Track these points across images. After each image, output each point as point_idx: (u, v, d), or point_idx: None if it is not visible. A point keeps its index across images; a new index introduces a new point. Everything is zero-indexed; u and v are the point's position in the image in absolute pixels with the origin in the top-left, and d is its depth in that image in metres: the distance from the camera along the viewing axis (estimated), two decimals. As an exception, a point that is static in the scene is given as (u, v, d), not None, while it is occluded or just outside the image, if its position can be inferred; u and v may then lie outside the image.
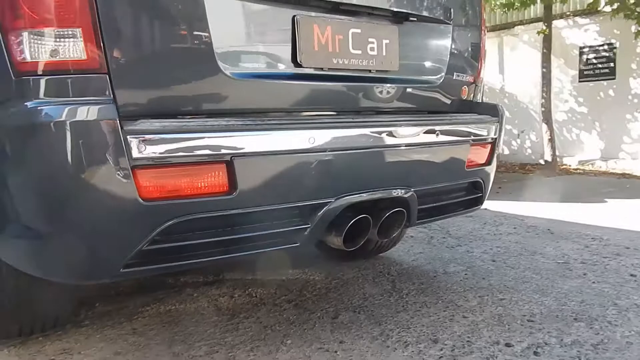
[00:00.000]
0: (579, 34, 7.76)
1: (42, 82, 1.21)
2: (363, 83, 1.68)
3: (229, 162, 1.31)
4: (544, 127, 7.56)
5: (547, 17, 7.44)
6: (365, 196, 1.58)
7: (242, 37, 1.47)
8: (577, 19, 7.71)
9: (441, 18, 1.87)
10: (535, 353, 1.71)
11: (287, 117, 1.48)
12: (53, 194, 1.25)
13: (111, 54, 1.22)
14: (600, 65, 7.53)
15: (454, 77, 1.95)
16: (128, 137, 1.19)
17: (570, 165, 7.65)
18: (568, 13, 7.78)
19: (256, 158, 1.36)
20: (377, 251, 2.85)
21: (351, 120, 1.60)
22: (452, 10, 1.90)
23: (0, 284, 1.61)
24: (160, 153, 1.23)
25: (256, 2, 1.47)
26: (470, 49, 2.03)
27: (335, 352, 1.75)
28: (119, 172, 1.20)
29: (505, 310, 2.09)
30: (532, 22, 8.11)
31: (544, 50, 7.44)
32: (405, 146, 1.66)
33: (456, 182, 1.90)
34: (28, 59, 1.19)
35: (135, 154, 1.20)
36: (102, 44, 1.21)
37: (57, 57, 1.20)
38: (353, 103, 1.68)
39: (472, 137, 1.87)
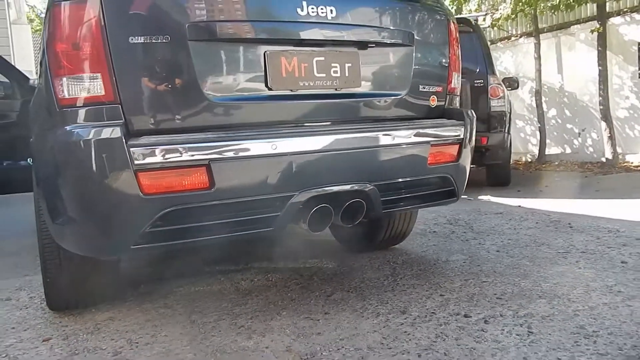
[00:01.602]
0: (637, 30, 7.56)
1: (76, 112, 1.69)
2: (328, 99, 2.04)
3: (207, 166, 1.73)
4: (603, 125, 7.46)
5: (601, 15, 7.36)
6: (324, 190, 1.93)
7: (222, 69, 1.86)
8: (635, 15, 7.52)
9: (400, 42, 2.18)
10: (486, 322, 1.97)
11: (254, 129, 1.86)
12: (83, 191, 1.73)
13: (122, 90, 1.69)
14: (660, 60, 7.30)
15: (420, 89, 2.25)
16: (132, 149, 1.65)
17: (632, 163, 7.44)
18: (625, 9, 7.61)
19: (228, 162, 1.76)
20: (390, 243, 3.15)
21: (309, 129, 1.96)
22: (413, 34, 2.21)
23: (60, 265, 2.13)
24: (155, 160, 1.67)
25: (233, 42, 1.86)
26: (436, 64, 2.32)
27: (318, 320, 2.10)
28: (126, 175, 1.66)
29: (481, 290, 2.34)
30: (587, 20, 8.00)
31: (599, 48, 7.36)
32: (362, 148, 1.99)
33: (418, 177, 2.19)
34: (67, 96, 1.68)
35: (137, 161, 1.65)
36: (115, 83, 1.68)
37: (85, 94, 1.67)
38: (320, 115, 2.03)
39: (433, 139, 2.17)
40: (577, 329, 1.86)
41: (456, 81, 2.40)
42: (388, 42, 2.16)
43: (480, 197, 5.18)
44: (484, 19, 7.67)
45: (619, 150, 7.61)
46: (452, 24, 2.38)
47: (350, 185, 1.99)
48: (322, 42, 2.01)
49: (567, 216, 3.98)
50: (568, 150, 8.65)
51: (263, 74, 1.89)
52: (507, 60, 9.74)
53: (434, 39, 2.31)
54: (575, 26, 8.34)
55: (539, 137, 8.78)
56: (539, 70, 8.58)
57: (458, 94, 2.45)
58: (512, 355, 1.69)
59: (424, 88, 2.25)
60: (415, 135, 2.11)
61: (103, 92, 1.67)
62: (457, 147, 2.26)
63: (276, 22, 1.93)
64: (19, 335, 2.11)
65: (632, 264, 2.62)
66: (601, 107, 7.46)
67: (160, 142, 1.68)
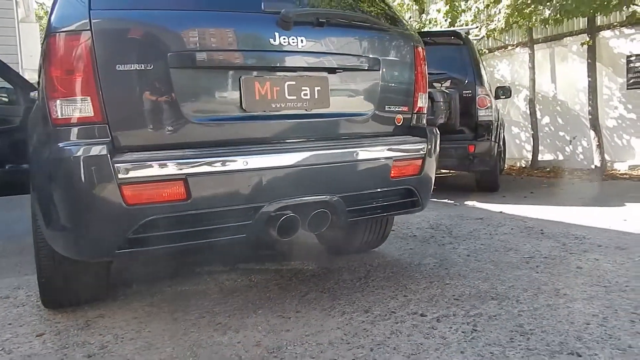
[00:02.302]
0: (625, 44, 7.77)
1: (68, 130, 1.91)
2: (299, 119, 2.25)
3: (185, 179, 1.94)
4: (592, 133, 7.64)
5: (591, 29, 7.56)
6: (292, 201, 2.15)
7: (201, 93, 2.08)
8: (624, 29, 7.73)
9: (367, 67, 2.39)
10: (438, 320, 2.18)
11: (229, 147, 2.07)
12: (73, 201, 1.95)
13: (109, 111, 1.90)
14: (646, 73, 7.50)
15: (386, 109, 2.46)
16: (116, 165, 1.86)
17: (619, 171, 7.61)
18: (615, 23, 7.81)
19: (203, 176, 1.97)
20: (369, 246, 3.35)
21: (279, 146, 2.17)
22: (379, 59, 2.42)
23: (55, 267, 2.35)
24: (137, 175, 1.89)
25: (211, 69, 2.08)
26: (402, 87, 2.53)
27: (289, 318, 2.31)
28: (111, 187, 1.87)
29: (442, 291, 2.55)
30: (579, 33, 8.20)
31: (589, 61, 7.57)
32: (329, 163, 2.21)
33: (382, 189, 2.40)
34: (60, 116, 1.90)
35: (120, 176, 1.87)
36: (103, 106, 1.89)
37: (77, 115, 1.90)
38: (291, 134, 2.25)
39: (396, 154, 2.38)
40: (516, 327, 2.07)
41: (422, 101, 2.61)
42: (355, 67, 2.37)
43: (466, 203, 5.37)
44: (479, 30, 7.86)
45: (607, 158, 7.79)
46: (418, 49, 2.59)
47: (317, 197, 2.20)
48: (293, 68, 2.23)
49: (542, 222, 4.18)
50: (560, 157, 8.83)
51: (238, 97, 2.11)
52: (504, 68, 9.93)
53: (400, 63, 2.53)
54: (568, 38, 8.54)
55: (533, 143, 8.97)
56: (532, 80, 8.78)
57: (424, 112, 2.66)
58: (452, 349, 1.90)
59: (389, 108, 2.47)
60: (378, 152, 2.33)
61: (92, 114, 1.88)
62: (419, 161, 2.47)
63: (251, 51, 2.14)
64: (15, 330, 2.32)
65: (586, 269, 2.82)
66: (590, 116, 7.65)
67: (142, 159, 1.90)
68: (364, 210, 2.38)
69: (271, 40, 2.13)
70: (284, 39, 2.14)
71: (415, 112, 2.58)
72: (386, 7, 2.67)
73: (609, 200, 5.34)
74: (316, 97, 2.25)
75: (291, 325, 2.22)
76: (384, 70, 2.44)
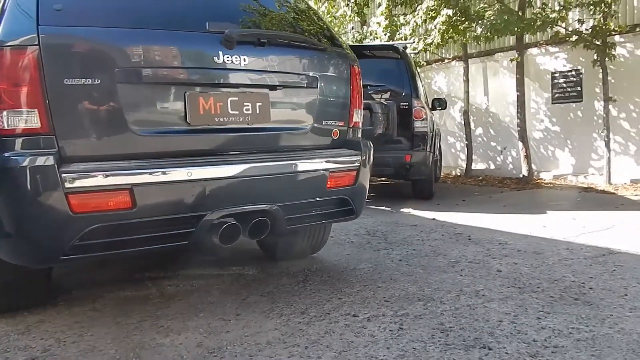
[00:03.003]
0: (550, 61, 8.37)
1: (14, 140, 1.96)
2: (241, 133, 2.39)
3: (130, 189, 2.04)
4: (520, 144, 8.15)
5: (519, 47, 8.09)
6: (233, 209, 2.28)
7: (147, 107, 2.18)
8: (549, 47, 8.31)
9: (305, 85, 2.56)
10: (368, 320, 2.36)
11: (173, 158, 2.18)
12: (19, 210, 2.00)
13: (57, 123, 1.97)
14: (569, 89, 8.12)
15: (323, 124, 2.64)
16: (63, 175, 1.93)
17: (544, 180, 8.16)
18: (541, 42, 8.38)
19: (148, 186, 2.08)
20: (308, 252, 3.50)
21: (221, 158, 2.30)
22: (317, 77, 2.60)
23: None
24: (84, 184, 1.97)
25: (156, 84, 2.19)
26: (338, 103, 2.72)
27: (230, 320, 2.43)
28: (57, 196, 1.94)
29: (375, 294, 2.74)
30: (510, 49, 8.74)
31: (517, 76, 8.08)
32: (268, 175, 2.36)
33: (319, 198, 2.57)
34: (6, 127, 1.95)
35: (67, 185, 1.94)
36: (51, 117, 1.96)
37: (23, 126, 1.95)
38: (233, 146, 2.38)
39: (332, 166, 2.56)
40: (438, 325, 2.28)
41: (357, 116, 2.80)
42: (295, 84, 2.54)
43: (402, 210, 5.64)
44: (417, 43, 8.22)
45: (534, 167, 8.33)
46: (354, 68, 2.79)
47: (257, 206, 2.34)
48: (236, 85, 2.37)
49: (470, 229, 4.48)
50: (492, 166, 9.35)
51: (183, 111, 2.22)
52: (441, 80, 10.40)
53: (337, 81, 2.72)
54: (499, 54, 9.07)
55: (467, 153, 9.44)
56: (467, 92, 9.26)
57: (360, 126, 2.85)
58: (379, 345, 2.08)
59: (326, 123, 2.65)
60: (315, 164, 2.50)
61: (39, 125, 1.95)
62: (354, 173, 2.65)
63: (196, 69, 2.28)
64: (-46, 335, 2.33)
65: (504, 272, 3.09)
66: (519, 128, 8.16)
67: (88, 169, 1.98)
68: (301, 218, 2.53)
69: (215, 59, 2.26)
70: (227, 57, 2.27)
71: (351, 126, 2.77)
72: (325, 28, 2.85)
73: (532, 208, 5.75)
74: (257, 112, 2.39)
75: (231, 327, 2.34)
76: (321, 87, 2.62)
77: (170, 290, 2.94)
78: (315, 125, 2.61)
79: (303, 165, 2.46)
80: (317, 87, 2.60)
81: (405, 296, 2.69)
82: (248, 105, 2.37)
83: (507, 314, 2.41)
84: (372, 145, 2.82)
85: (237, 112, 2.34)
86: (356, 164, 2.65)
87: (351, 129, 2.79)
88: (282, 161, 2.42)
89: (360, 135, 2.88)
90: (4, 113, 1.93)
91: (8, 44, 1.93)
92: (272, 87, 2.46)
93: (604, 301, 2.57)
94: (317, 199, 2.56)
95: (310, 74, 2.58)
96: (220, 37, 2.27)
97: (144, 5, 2.28)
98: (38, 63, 1.92)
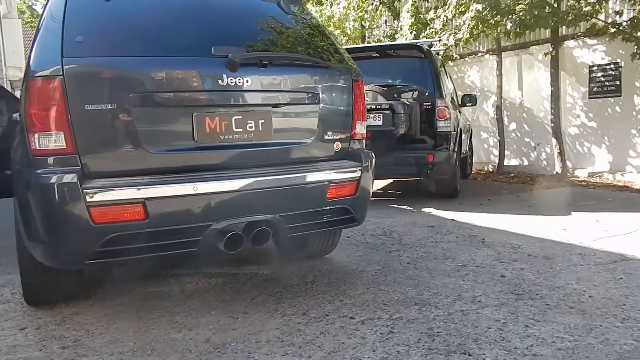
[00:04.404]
0: (588, 54, 8.17)
1: (44, 159, 2.24)
2: (245, 149, 2.60)
3: (143, 203, 2.29)
4: (554, 141, 8.06)
5: (554, 40, 7.95)
6: (237, 220, 2.50)
7: (158, 128, 2.41)
8: (587, 39, 8.12)
9: (307, 101, 2.74)
10: (363, 323, 2.54)
11: (182, 174, 2.40)
12: (49, 220, 2.29)
13: (79, 144, 2.24)
14: (607, 83, 7.91)
15: (325, 137, 2.81)
16: (84, 190, 2.20)
17: (579, 177, 8.05)
18: (579, 34, 8.20)
19: (160, 199, 2.32)
20: (320, 253, 3.70)
21: (226, 173, 2.50)
22: (318, 93, 2.76)
23: (35, 270, 2.68)
24: (103, 199, 2.23)
25: (166, 107, 2.43)
26: (340, 116, 2.87)
27: (237, 318, 2.66)
28: (80, 209, 2.21)
29: (375, 297, 2.91)
30: (545, 42, 8.58)
31: (552, 70, 7.97)
32: (270, 187, 2.55)
33: (318, 208, 2.75)
34: (38, 147, 2.23)
35: (88, 199, 2.21)
36: (74, 139, 2.23)
37: (51, 146, 2.23)
38: (239, 162, 2.58)
39: (332, 178, 2.72)
40: (427, 330, 2.43)
41: (360, 127, 2.96)
42: (296, 101, 2.72)
43: (423, 209, 5.75)
44: (447, 38, 8.21)
45: (569, 165, 8.23)
46: (357, 81, 2.94)
47: (259, 216, 2.55)
48: (240, 104, 2.59)
49: (486, 231, 4.56)
50: (525, 163, 9.27)
51: (191, 130, 2.45)
52: (474, 74, 10.32)
53: (339, 96, 2.88)
54: (534, 47, 8.93)
55: (499, 149, 9.38)
56: (500, 87, 9.19)
57: (363, 137, 3.01)
58: (367, 348, 2.26)
59: (328, 136, 2.82)
60: (316, 176, 2.68)
61: (65, 146, 2.22)
62: (354, 183, 2.82)
63: (202, 91, 2.50)
64: (1, 324, 2.66)
65: (508, 277, 3.20)
66: (552, 124, 8.07)
67: (107, 185, 2.24)
68: (303, 226, 2.73)
69: (219, 81, 2.48)
70: (231, 79, 2.49)
71: (352, 138, 2.93)
72: (329, 42, 3.01)
73: (557, 208, 5.73)
74: (260, 129, 2.60)
75: (238, 325, 2.57)
76: (323, 102, 2.79)
77: (190, 287, 3.20)
78: (317, 139, 2.79)
79: (303, 178, 2.65)
80: (319, 103, 2.77)
81: (403, 300, 2.84)
82: (251, 123, 2.57)
83: (497, 320, 2.53)
84: (374, 155, 2.97)
85: (240, 130, 2.55)
86: (356, 175, 2.81)
87: (352, 141, 2.94)
88: (283, 175, 2.61)
89: (363, 145, 3.03)
90: (36, 135, 2.21)
91: (38, 74, 2.21)
92: (275, 105, 2.65)
93: (599, 310, 2.64)
94: (317, 209, 2.75)
95: (312, 90, 2.76)
96: (225, 60, 2.48)
97: (154, 34, 2.53)
98: (63, 91, 2.19)
